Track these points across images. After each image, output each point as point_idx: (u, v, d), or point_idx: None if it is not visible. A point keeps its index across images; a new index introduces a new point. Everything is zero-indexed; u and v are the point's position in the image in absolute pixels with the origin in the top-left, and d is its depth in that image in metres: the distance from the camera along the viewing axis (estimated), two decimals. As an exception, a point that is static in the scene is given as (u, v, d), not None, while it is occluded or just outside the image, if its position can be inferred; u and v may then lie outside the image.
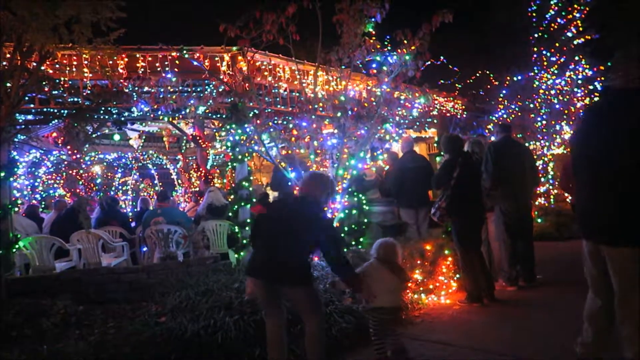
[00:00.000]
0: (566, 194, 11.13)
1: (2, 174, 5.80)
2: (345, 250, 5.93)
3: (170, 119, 9.28)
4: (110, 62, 7.86)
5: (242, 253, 6.85)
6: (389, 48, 6.26)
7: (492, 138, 11.14)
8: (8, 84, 5.02)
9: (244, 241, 6.90)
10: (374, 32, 6.15)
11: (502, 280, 5.91)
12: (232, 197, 7.53)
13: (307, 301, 3.43)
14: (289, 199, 3.70)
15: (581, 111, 11.42)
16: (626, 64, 3.12)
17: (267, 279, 3.43)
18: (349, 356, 4.01)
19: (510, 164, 5.87)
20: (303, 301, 3.43)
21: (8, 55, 5.12)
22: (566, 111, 11.64)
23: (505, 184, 5.82)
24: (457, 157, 5.45)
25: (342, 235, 6.65)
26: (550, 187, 11.23)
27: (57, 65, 7.18)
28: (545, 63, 11.99)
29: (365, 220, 7.19)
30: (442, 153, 11.29)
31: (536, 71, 12.17)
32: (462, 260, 5.41)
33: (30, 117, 7.49)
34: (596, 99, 11.41)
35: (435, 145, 14.21)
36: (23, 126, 6.43)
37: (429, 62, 6.39)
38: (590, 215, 3.11)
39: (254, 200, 7.25)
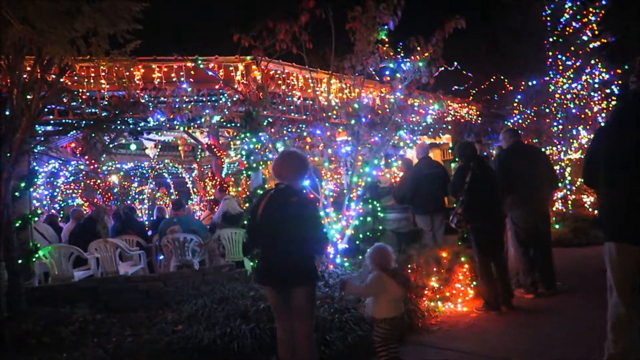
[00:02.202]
0: (584, 200, 11.00)
1: (23, 185, 5.91)
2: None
3: (186, 128, 9.40)
4: (127, 73, 7.95)
5: (257, 261, 6.86)
6: (402, 55, 6.27)
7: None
8: (28, 96, 5.13)
9: (259, 249, 6.92)
10: (386, 40, 6.16)
11: (519, 287, 5.82)
12: (247, 205, 7.57)
13: (307, 302, 3.36)
14: (264, 197, 3.50)
15: (599, 115, 11.25)
16: None
17: (275, 284, 3.43)
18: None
19: (519, 170, 5.69)
20: (303, 302, 3.34)
21: (28, 69, 5.24)
22: (583, 116, 11.48)
23: (514, 191, 5.68)
24: (470, 163, 5.42)
25: (357, 242, 6.64)
26: (568, 192, 11.07)
27: (76, 77, 7.30)
28: (560, 67, 11.86)
29: (380, 227, 7.17)
30: (456, 159, 11.23)
31: (551, 75, 12.04)
32: (479, 267, 5.35)
33: (49, 128, 7.64)
34: (613, 102, 11.23)
35: (449, 151, 14.13)
36: (42, 137, 6.55)
37: (443, 68, 6.38)
38: (630, 216, 3.02)
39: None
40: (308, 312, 3.37)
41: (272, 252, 3.40)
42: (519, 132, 6.47)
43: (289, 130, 6.75)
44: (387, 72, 6.41)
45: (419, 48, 5.98)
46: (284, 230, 3.30)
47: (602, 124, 3.84)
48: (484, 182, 5.33)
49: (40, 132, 6.89)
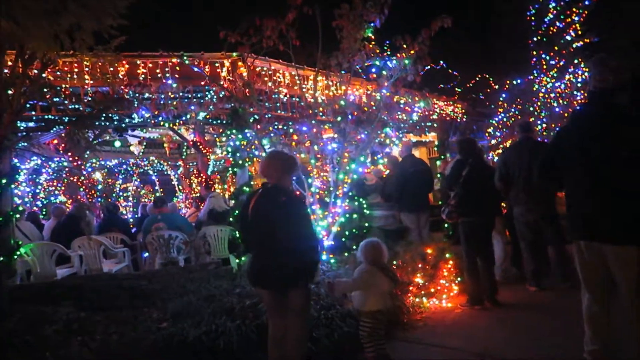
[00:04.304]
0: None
1: (4, 181, 5.80)
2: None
3: (171, 125, 9.33)
4: (111, 69, 7.90)
5: (243, 258, 6.86)
6: (388, 53, 6.29)
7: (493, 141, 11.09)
8: (10, 92, 5.03)
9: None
10: (373, 37, 6.17)
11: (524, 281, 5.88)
12: (233, 202, 7.55)
13: (303, 303, 3.37)
14: (253, 196, 3.45)
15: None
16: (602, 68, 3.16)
17: (270, 287, 3.39)
18: (351, 360, 4.01)
19: (518, 166, 5.67)
20: (299, 303, 3.34)
21: (10, 63, 5.15)
22: (566, 114, 11.62)
23: (514, 187, 5.72)
24: (468, 158, 5.48)
25: (344, 239, 6.65)
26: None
27: (59, 73, 7.21)
28: (544, 66, 12.02)
29: (367, 225, 7.19)
30: (442, 157, 11.30)
31: (536, 75, 12.19)
32: (465, 261, 5.41)
33: (31, 124, 7.52)
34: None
35: (435, 149, 14.23)
36: (24, 133, 6.44)
37: (429, 67, 6.41)
38: (593, 214, 3.07)
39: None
40: (303, 312, 3.38)
41: (264, 253, 3.36)
42: (530, 126, 6.22)
43: (276, 127, 6.74)
44: (374, 70, 6.42)
45: (405, 46, 6.00)
46: (274, 230, 3.25)
47: (560, 127, 3.89)
48: (480, 178, 5.40)
49: (22, 128, 6.78)
